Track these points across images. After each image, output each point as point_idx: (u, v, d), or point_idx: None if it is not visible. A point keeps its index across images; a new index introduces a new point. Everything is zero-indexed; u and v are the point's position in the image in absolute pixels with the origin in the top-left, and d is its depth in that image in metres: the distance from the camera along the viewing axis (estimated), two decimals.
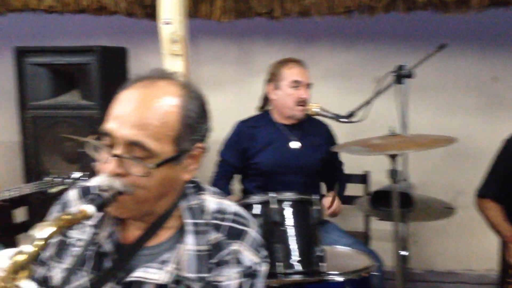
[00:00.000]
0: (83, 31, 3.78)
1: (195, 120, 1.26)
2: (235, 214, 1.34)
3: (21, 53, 3.33)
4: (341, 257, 2.50)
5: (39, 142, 3.38)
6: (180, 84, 1.28)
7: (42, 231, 1.06)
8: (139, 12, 3.48)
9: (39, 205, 3.45)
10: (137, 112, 1.19)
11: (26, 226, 3.49)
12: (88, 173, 2.89)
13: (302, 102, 2.76)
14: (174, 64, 3.18)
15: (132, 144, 1.19)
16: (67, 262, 1.32)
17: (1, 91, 3.72)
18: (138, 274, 1.26)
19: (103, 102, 3.31)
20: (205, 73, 3.82)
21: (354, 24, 3.39)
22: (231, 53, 3.91)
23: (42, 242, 1.06)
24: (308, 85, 2.82)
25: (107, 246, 1.28)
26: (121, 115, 1.20)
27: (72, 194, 1.40)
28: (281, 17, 3.33)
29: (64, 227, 1.10)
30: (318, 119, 2.97)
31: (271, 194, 2.21)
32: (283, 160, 2.79)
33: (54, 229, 1.07)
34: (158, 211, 1.29)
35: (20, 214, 3.49)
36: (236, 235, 1.30)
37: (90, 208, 1.14)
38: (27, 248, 1.04)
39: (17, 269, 1.03)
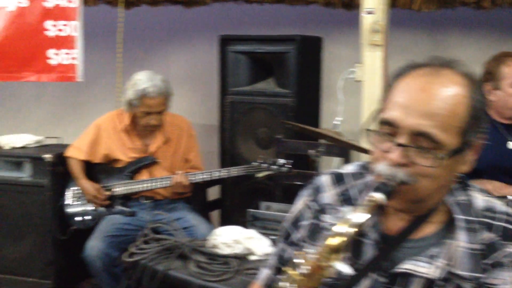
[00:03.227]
0: (278, 20, 3.90)
1: (480, 111, 1.21)
2: (508, 214, 1.28)
3: (225, 41, 3.51)
4: None
5: (235, 127, 3.55)
6: (463, 73, 1.24)
7: (357, 216, 1.09)
8: (337, 2, 3.51)
9: (230, 185, 3.65)
10: (424, 101, 1.16)
11: (218, 204, 3.72)
12: (292, 160, 2.99)
13: None
14: (373, 54, 3.16)
15: (418, 134, 1.17)
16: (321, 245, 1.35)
17: (207, 77, 3.97)
18: (407, 266, 1.25)
19: (298, 90, 3.38)
20: (392, 64, 3.74)
21: None
22: (422, 44, 3.78)
23: (357, 228, 1.08)
24: None
25: (372, 236, 1.29)
26: (406, 104, 1.18)
27: (325, 180, 1.41)
28: (490, 7, 3.15)
29: (371, 214, 1.12)
30: None
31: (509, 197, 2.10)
32: (499, 161, 2.64)
33: (368, 215, 1.10)
34: (430, 203, 1.27)
35: (213, 193, 3.73)
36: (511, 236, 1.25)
37: (379, 196, 1.15)
38: (342, 231, 1.08)
39: (331, 251, 1.07)
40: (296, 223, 1.44)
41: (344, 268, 1.07)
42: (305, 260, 1.10)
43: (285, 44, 3.38)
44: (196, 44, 4.16)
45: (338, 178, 1.40)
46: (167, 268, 2.14)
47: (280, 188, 3.25)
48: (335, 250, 1.07)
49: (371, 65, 3.15)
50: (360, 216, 1.09)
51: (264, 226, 2.87)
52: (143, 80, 3.04)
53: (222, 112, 3.58)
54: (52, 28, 3.37)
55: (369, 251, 1.29)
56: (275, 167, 2.92)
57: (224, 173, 3.04)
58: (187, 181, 3.04)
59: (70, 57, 3.38)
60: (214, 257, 2.19)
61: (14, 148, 3.39)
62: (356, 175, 1.38)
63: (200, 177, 3.06)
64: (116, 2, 3.76)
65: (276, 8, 3.76)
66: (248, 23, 3.94)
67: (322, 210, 1.38)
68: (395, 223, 1.32)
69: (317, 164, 2.58)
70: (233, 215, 3.60)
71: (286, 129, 3.36)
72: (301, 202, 1.45)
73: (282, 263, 1.46)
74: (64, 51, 3.38)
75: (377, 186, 1.18)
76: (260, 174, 2.95)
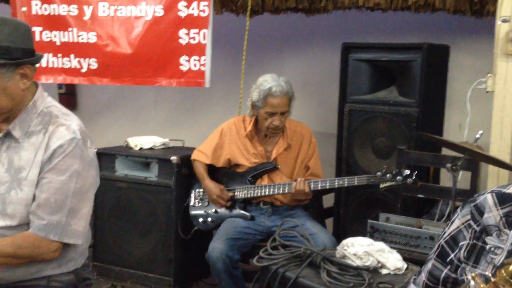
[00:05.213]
0: (401, 27, 3.82)
1: None
2: None
3: (347, 49, 3.48)
4: None
5: (353, 135, 3.50)
6: None
7: None
8: (466, 9, 3.37)
9: (344, 194, 3.62)
10: None
11: (331, 212, 3.70)
12: (416, 171, 2.91)
13: None
14: (507, 64, 3.01)
15: None
16: (483, 268, 1.29)
17: (326, 84, 3.98)
18: None
19: (422, 100, 3.27)
20: None
21: None
22: None
23: None
24: None
25: None
26: None
27: (488, 198, 1.36)
28: None
29: None
30: None
31: None
32: None
33: None
34: None
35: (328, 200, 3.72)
36: None
37: None
38: None
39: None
40: (452, 242, 1.40)
41: None
42: (479, 283, 1.06)
43: (411, 52, 3.29)
44: (317, 52, 4.17)
45: (503, 198, 1.33)
46: (298, 275, 2.15)
47: (400, 200, 3.17)
48: None
49: (504, 75, 3.00)
50: None
51: (383, 238, 2.81)
52: (268, 81, 3.11)
53: (340, 120, 3.55)
54: (184, 36, 3.54)
55: None
56: (399, 178, 2.85)
57: (346, 181, 3.01)
58: (308, 188, 3.05)
59: (199, 63, 3.52)
60: (345, 268, 2.16)
61: (142, 149, 3.57)
62: None
63: (322, 184, 3.06)
64: (239, 11, 3.86)
65: (400, 16, 3.68)
66: (370, 31, 3.89)
67: (484, 231, 1.32)
68: None
69: (455, 179, 2.47)
70: (347, 224, 3.56)
71: (407, 140, 3.28)
72: (459, 220, 1.40)
73: (433, 282, 1.42)
74: (194, 57, 3.53)
75: None
76: (384, 185, 2.89)
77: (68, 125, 1.92)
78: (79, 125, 1.95)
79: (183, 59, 3.56)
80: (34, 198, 1.85)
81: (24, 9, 3.95)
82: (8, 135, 1.91)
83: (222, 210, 3.29)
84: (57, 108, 1.99)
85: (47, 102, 1.98)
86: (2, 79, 1.82)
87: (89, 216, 1.97)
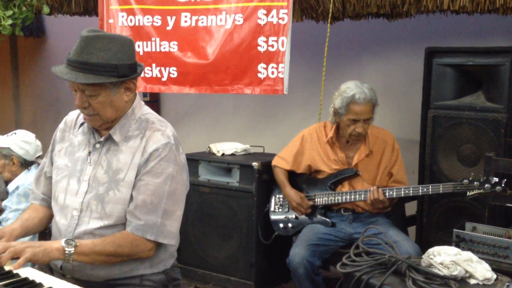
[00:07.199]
0: (488, 31, 3.69)
1: None
2: None
3: (431, 54, 3.39)
4: None
5: (437, 142, 3.41)
6: None
7: None
8: None
9: (427, 202, 3.52)
10: None
11: (414, 220, 3.61)
12: (505, 179, 2.79)
13: None
14: None
15: None
16: None
17: (410, 90, 3.91)
18: None
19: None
20: None
21: None
22: None
23: None
24: None
25: None
26: None
27: None
28: None
29: None
30: None
31: None
32: None
33: None
34: None
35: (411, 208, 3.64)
36: None
37: None
38: None
39: None
40: None
41: None
42: None
43: (499, 56, 3.18)
44: (398, 57, 4.10)
45: None
46: (383, 283, 2.12)
47: (487, 209, 3.05)
48: None
49: None
50: None
51: (470, 248, 2.71)
52: (351, 88, 3.09)
53: (424, 127, 3.47)
54: (263, 43, 3.57)
55: None
56: (488, 185, 2.74)
57: (431, 189, 2.94)
58: (382, 195, 3.00)
59: (277, 71, 3.54)
60: (432, 277, 2.11)
61: (224, 154, 3.66)
62: None
63: (398, 192, 3.00)
64: (319, 17, 3.86)
65: (486, 19, 3.55)
66: (455, 35, 3.78)
67: None
68: None
69: None
70: (430, 233, 3.46)
71: (495, 147, 3.16)
72: None
73: None
74: (272, 65, 3.56)
75: None
76: (471, 193, 2.79)
77: (163, 130, 2.03)
78: (172, 132, 2.07)
79: (260, 66, 3.59)
80: (130, 199, 1.96)
81: (111, 21, 4.14)
82: (108, 139, 2.04)
83: (302, 216, 3.30)
84: (153, 115, 2.12)
85: (144, 109, 2.11)
86: (109, 94, 1.95)
87: (181, 219, 2.05)
